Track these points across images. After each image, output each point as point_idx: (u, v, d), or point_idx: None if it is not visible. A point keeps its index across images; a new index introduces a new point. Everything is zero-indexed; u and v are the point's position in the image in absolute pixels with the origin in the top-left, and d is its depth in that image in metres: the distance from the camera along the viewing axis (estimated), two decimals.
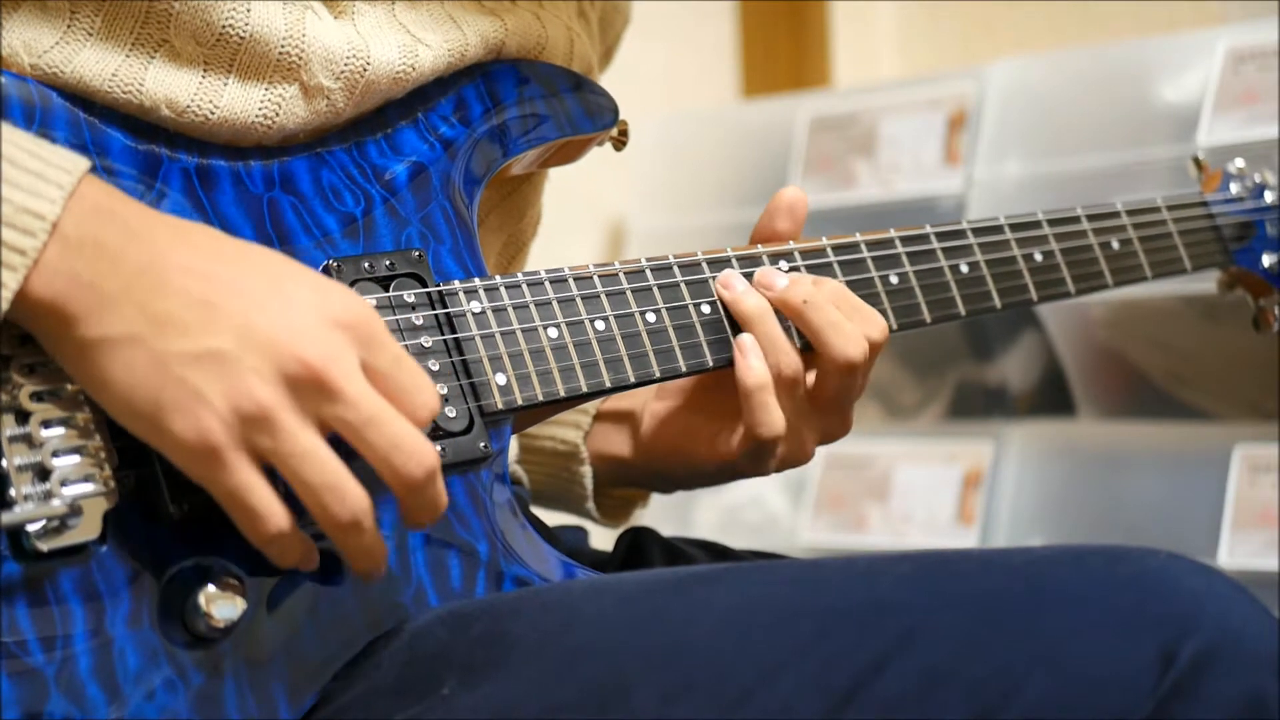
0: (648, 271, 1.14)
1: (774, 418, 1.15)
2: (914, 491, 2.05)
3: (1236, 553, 1.77)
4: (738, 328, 1.16)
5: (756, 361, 1.14)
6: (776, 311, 1.16)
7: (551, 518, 1.32)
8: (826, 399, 1.18)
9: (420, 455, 0.94)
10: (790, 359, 1.15)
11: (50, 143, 0.94)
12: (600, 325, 1.11)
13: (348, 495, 0.92)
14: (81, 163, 0.92)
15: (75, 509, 0.92)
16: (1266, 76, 1.79)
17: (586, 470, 1.31)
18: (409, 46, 1.10)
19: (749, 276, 1.17)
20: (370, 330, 0.95)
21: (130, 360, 0.91)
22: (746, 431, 1.16)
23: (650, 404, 1.27)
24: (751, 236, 1.24)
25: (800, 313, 1.16)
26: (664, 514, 2.23)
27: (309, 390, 0.92)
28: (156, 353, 0.90)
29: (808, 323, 1.16)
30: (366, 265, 1.06)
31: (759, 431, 1.15)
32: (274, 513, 0.92)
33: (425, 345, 1.06)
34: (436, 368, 1.05)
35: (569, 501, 1.35)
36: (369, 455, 0.94)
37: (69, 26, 1.03)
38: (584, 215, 2.33)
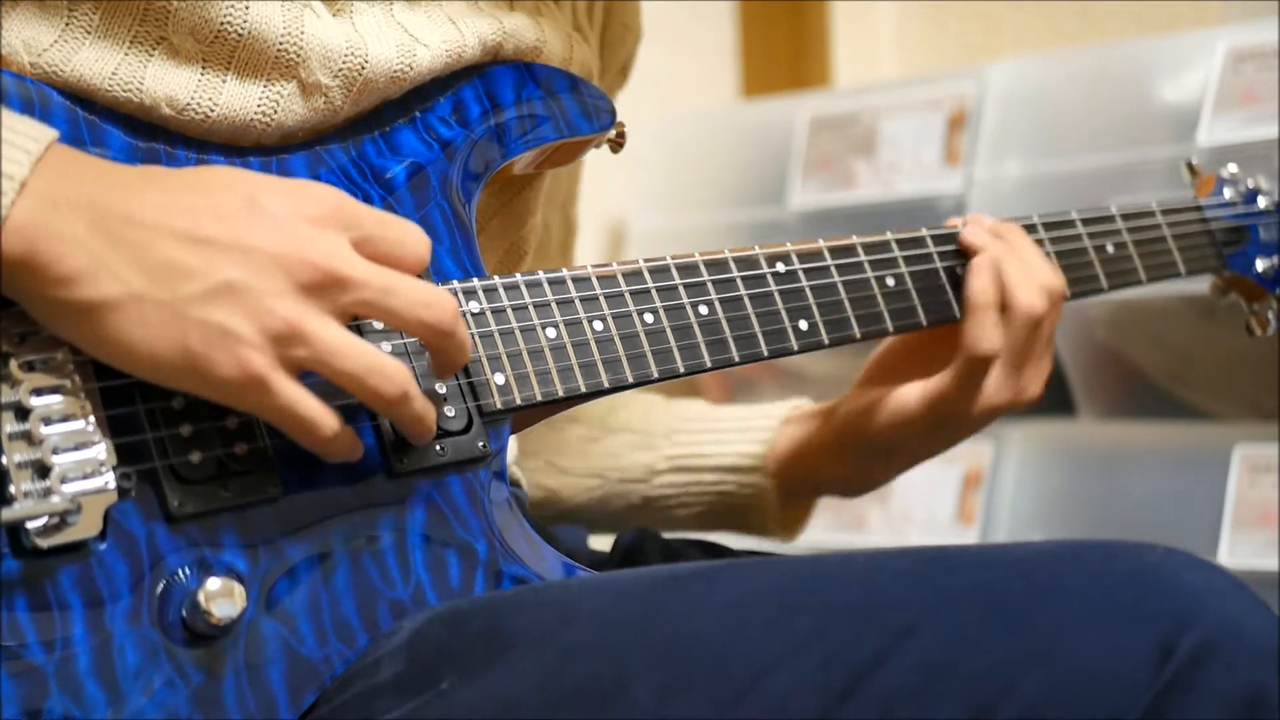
0: (645, 273, 1.14)
1: (991, 334, 1.24)
2: (914, 491, 2.05)
3: (1236, 553, 1.77)
4: (735, 328, 1.16)
5: (985, 282, 1.24)
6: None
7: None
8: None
9: (443, 303, 0.98)
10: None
11: (20, 115, 0.95)
12: (598, 326, 1.11)
13: (390, 371, 0.96)
14: (49, 132, 0.93)
15: (75, 506, 0.92)
16: (1266, 76, 1.79)
17: (771, 484, 1.34)
18: (406, 46, 1.11)
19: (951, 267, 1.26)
20: (347, 210, 0.97)
21: (143, 316, 0.91)
22: (963, 352, 1.25)
23: (851, 395, 1.32)
24: None
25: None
26: None
27: (323, 289, 0.94)
28: (168, 302, 0.91)
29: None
30: None
31: (978, 347, 1.23)
32: (325, 416, 0.95)
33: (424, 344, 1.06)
34: None
35: (743, 519, 1.37)
36: (396, 321, 0.97)
37: (67, 24, 1.03)
38: (584, 215, 2.31)
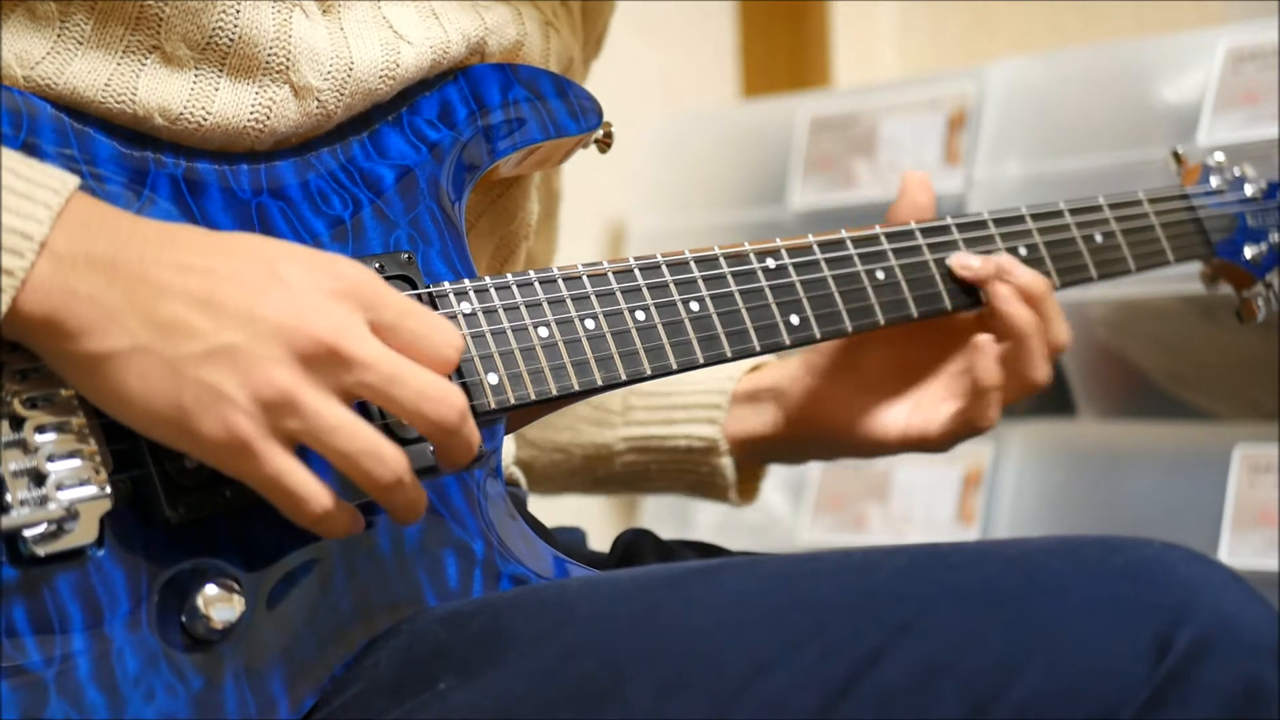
0: (636, 270, 1.15)
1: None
2: (914, 491, 2.05)
3: (1236, 553, 1.77)
4: (727, 323, 1.16)
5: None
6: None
7: (551, 518, 1.32)
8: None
9: (449, 400, 0.95)
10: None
11: (40, 160, 0.95)
12: (590, 324, 1.11)
13: (385, 456, 0.93)
14: (70, 181, 0.93)
15: (71, 513, 0.92)
16: (1266, 76, 1.79)
17: (728, 462, 1.35)
18: (391, 44, 1.10)
19: (940, 259, 1.26)
20: (370, 290, 0.95)
21: (143, 370, 0.91)
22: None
23: (801, 380, 1.32)
24: (890, 218, 1.29)
25: (1042, 299, 1.26)
26: (664, 514, 2.23)
27: (326, 364, 0.92)
28: (168, 358, 0.91)
29: (1046, 309, 1.26)
30: None
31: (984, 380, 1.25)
32: (315, 492, 0.93)
33: None
34: None
35: (705, 492, 1.39)
36: (399, 411, 0.94)
37: (59, 35, 1.03)
38: (584, 215, 2.32)
